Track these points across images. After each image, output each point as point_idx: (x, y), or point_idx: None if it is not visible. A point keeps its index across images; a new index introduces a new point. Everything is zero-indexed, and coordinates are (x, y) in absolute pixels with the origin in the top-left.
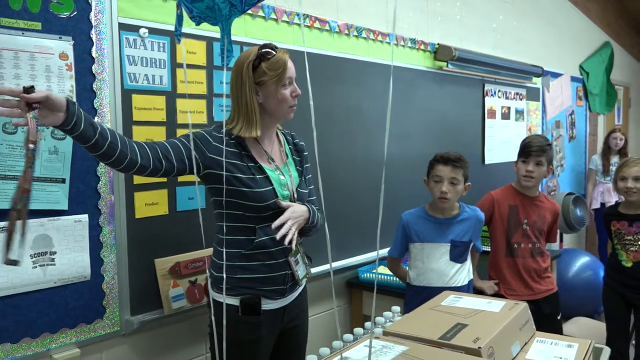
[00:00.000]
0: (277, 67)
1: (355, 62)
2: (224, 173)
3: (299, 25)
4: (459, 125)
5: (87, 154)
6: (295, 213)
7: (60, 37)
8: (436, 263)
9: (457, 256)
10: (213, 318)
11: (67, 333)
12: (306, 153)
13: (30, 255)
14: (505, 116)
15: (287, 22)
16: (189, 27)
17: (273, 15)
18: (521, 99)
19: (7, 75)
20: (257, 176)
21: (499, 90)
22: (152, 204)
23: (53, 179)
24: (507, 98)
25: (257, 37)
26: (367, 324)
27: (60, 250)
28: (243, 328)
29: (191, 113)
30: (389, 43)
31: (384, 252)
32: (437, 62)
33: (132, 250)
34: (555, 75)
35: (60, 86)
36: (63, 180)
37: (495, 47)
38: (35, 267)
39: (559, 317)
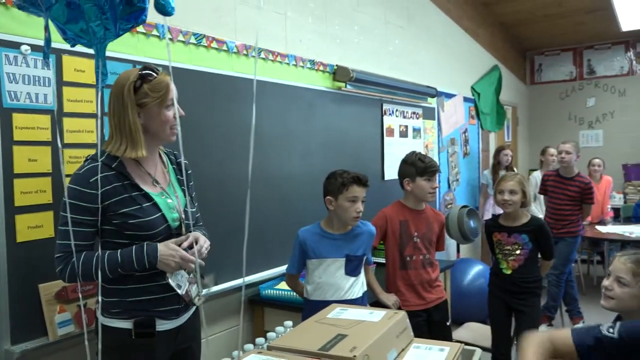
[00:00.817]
0: (160, 89)
1: (253, 83)
2: (100, 212)
3: (195, 44)
4: (359, 143)
5: None
6: (203, 241)
7: None
8: (332, 277)
9: (352, 270)
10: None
11: None
12: (190, 171)
13: None
14: (403, 134)
15: (183, 42)
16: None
17: (169, 35)
18: (418, 118)
19: None
20: (144, 205)
21: (397, 110)
22: (35, 226)
23: None
24: (404, 117)
25: (151, 55)
26: (258, 340)
27: None
28: (136, 352)
29: (81, 132)
30: (288, 64)
31: (283, 269)
32: (336, 82)
33: (12, 276)
34: (449, 95)
35: None
36: None
37: (392, 68)
38: None
39: (448, 323)
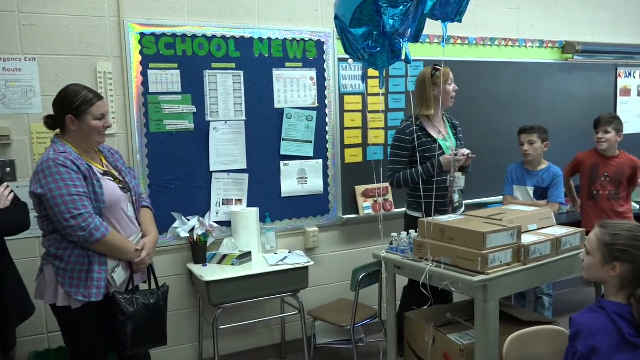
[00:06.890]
0: (443, 74)
1: (490, 63)
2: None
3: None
4: (588, 103)
5: None
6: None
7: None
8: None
9: (538, 196)
10: None
11: (311, 219)
12: (459, 128)
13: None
14: None
15: (438, 43)
16: None
17: (427, 40)
18: None
19: None
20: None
21: (635, 72)
22: (353, 155)
23: None
24: None
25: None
26: None
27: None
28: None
29: (376, 104)
30: (519, 46)
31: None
32: (564, 55)
33: (344, 180)
34: None
35: (311, 94)
36: None
37: (631, 35)
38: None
39: None
